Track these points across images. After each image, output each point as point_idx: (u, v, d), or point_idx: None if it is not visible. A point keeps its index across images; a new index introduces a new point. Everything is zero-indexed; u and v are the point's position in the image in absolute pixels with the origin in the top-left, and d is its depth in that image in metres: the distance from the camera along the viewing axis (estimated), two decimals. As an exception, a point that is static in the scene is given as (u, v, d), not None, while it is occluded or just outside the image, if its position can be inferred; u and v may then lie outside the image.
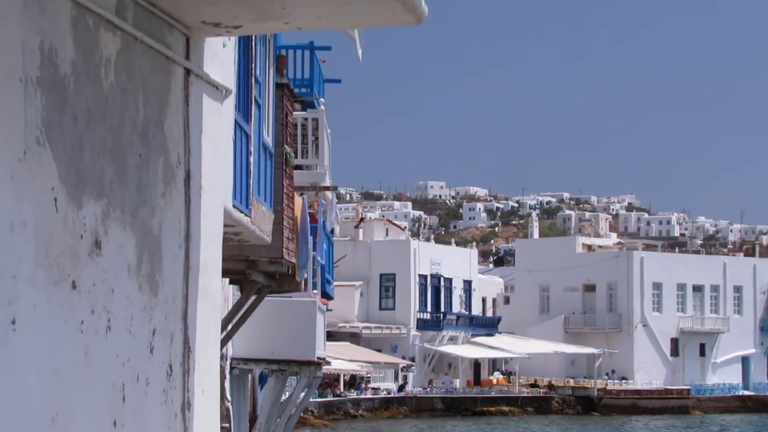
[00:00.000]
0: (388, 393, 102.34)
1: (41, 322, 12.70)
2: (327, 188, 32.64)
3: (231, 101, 19.16)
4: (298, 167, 26.33)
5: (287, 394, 31.60)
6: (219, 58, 18.29)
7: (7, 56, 12.12)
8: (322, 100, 28.61)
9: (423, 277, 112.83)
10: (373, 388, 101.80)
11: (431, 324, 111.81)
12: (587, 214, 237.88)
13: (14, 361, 11.82)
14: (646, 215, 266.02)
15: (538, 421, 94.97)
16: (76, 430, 13.62)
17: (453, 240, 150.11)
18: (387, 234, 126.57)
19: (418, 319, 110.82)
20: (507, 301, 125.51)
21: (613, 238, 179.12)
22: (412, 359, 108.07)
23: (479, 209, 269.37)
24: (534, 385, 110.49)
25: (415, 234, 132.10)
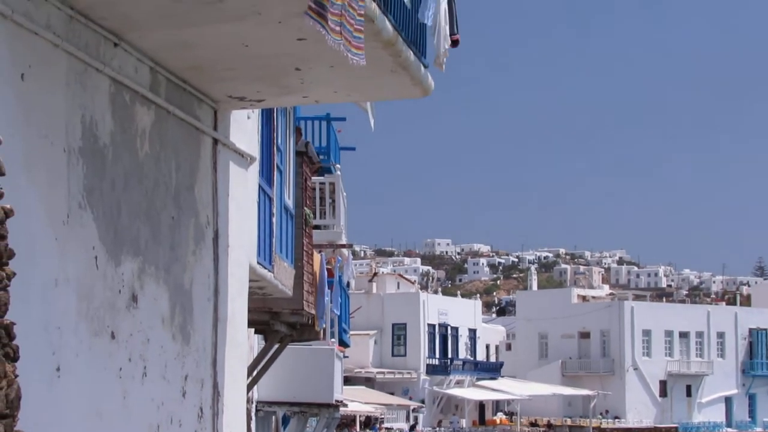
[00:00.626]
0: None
1: (83, 370, 12.75)
2: (343, 246, 32.60)
3: (255, 167, 19.18)
4: (317, 227, 26.33)
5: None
6: (244, 128, 18.32)
7: (52, 128, 12.20)
8: (338, 165, 28.61)
9: (431, 326, 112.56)
10: (386, 428, 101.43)
11: (439, 369, 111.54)
12: (581, 268, 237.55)
13: (59, 404, 11.87)
14: (635, 268, 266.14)
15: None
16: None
17: (459, 292, 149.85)
18: (398, 287, 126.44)
19: (427, 365, 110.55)
20: (509, 347, 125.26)
21: (606, 289, 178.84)
22: (422, 401, 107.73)
23: (482, 264, 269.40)
24: (534, 425, 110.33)
25: (424, 287, 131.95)
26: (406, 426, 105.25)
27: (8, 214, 8.72)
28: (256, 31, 13.63)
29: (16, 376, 8.84)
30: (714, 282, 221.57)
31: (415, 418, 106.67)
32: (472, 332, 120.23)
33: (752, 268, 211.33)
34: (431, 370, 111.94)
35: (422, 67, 15.65)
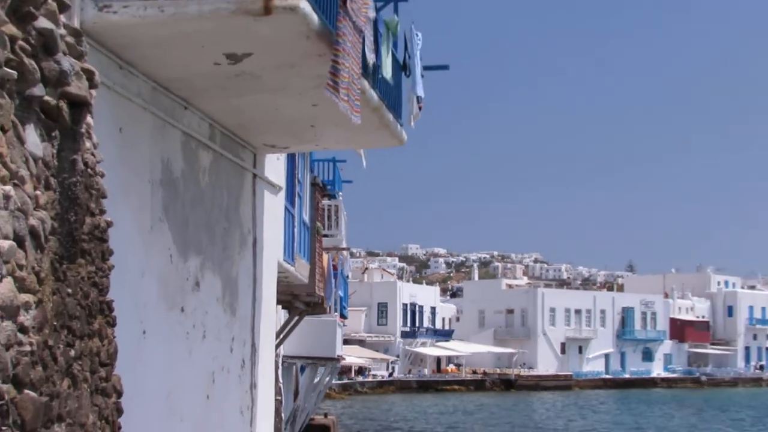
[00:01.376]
0: (383, 378, 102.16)
1: (161, 333, 12.72)
2: (343, 249, 32.52)
3: (282, 194, 19.15)
4: (325, 236, 26.37)
5: (318, 378, 31.26)
6: (274, 166, 18.30)
7: (140, 166, 12.16)
8: (340, 193, 28.65)
9: (404, 304, 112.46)
10: (372, 375, 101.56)
11: (410, 334, 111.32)
12: (509, 265, 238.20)
13: (144, 357, 11.81)
14: (545, 265, 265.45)
15: (477, 394, 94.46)
16: (183, 401, 13.60)
17: (424, 282, 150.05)
18: (382, 277, 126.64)
19: (401, 331, 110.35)
20: (458, 320, 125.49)
21: (525, 280, 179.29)
22: (398, 356, 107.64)
23: (441, 262, 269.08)
24: (474, 372, 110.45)
25: (400, 278, 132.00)
26: (386, 373, 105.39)
27: (109, 224, 8.63)
28: (284, 100, 13.59)
29: (114, 337, 8.75)
30: (599, 275, 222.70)
31: (393, 368, 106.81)
32: (433, 309, 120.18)
33: (625, 266, 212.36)
34: (404, 335, 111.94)
35: (398, 126, 15.60)
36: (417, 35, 16.31)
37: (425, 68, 16.88)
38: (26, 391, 6.36)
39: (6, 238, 6.28)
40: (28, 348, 6.44)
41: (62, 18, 7.71)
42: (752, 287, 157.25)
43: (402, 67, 15.79)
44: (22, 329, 6.40)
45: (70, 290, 7.52)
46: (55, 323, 7.10)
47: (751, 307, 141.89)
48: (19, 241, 6.50)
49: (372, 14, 13.42)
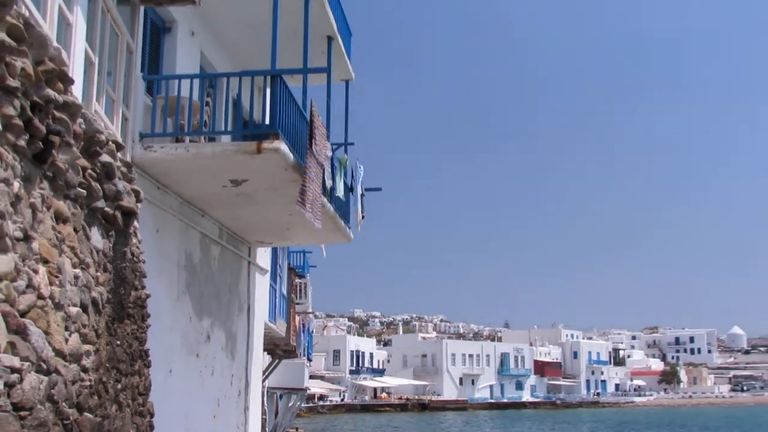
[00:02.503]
0: (336, 402, 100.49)
1: (183, 372, 12.51)
2: (309, 313, 32.26)
3: (268, 275, 19.04)
4: (297, 304, 26.10)
5: (291, 403, 30.76)
6: (263, 255, 18.18)
7: (170, 255, 12.06)
8: (308, 275, 28.44)
9: (352, 351, 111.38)
10: (329, 400, 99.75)
11: (355, 372, 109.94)
12: (423, 323, 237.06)
13: (170, 389, 11.59)
14: (448, 323, 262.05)
15: (402, 414, 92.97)
16: (198, 421, 13.36)
17: (365, 335, 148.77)
18: (336, 332, 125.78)
19: (349, 370, 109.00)
20: (388, 362, 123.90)
21: (434, 334, 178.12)
22: (347, 387, 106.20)
23: (377, 321, 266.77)
24: (400, 398, 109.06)
25: (348, 333, 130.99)
26: (339, 399, 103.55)
27: (147, 296, 8.57)
28: (269, 211, 13.62)
29: (149, 375, 8.63)
30: (485, 330, 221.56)
31: (343, 395, 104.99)
32: (371, 354, 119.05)
33: (503, 323, 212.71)
34: (351, 372, 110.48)
35: (347, 229, 15.65)
36: (360, 168, 16.48)
37: (366, 189, 17.04)
38: (85, 413, 6.31)
39: (75, 305, 6.27)
40: (87, 383, 6.39)
41: (119, 154, 7.74)
42: (590, 338, 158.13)
43: (350, 189, 15.90)
44: (84, 369, 6.36)
45: (119, 342, 7.49)
46: (107, 365, 7.05)
47: (589, 352, 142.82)
48: (84, 307, 6.49)
49: (329, 153, 13.55)
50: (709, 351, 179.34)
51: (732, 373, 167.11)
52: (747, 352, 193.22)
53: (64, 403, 5.83)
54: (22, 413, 5.12)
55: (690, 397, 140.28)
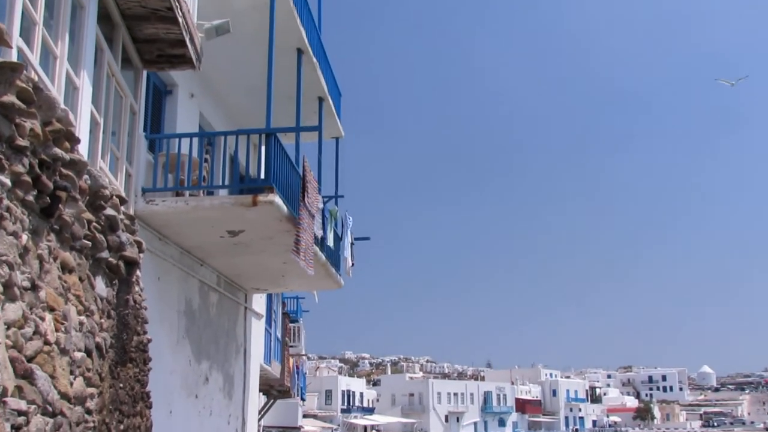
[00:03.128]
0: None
1: (182, 413, 12.37)
2: (303, 355, 32.05)
3: (263, 319, 18.94)
4: (291, 347, 25.91)
5: (286, 441, 30.48)
6: (259, 301, 18.10)
7: (171, 301, 12.02)
8: (301, 319, 28.31)
9: (343, 391, 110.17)
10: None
11: (346, 410, 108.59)
12: (410, 364, 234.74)
13: (171, 428, 11.46)
14: (434, 364, 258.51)
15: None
16: (196, 458, 13.23)
17: (355, 375, 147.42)
18: (328, 373, 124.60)
19: (341, 408, 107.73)
20: (377, 400, 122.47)
21: (420, 374, 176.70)
22: (338, 425, 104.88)
23: (366, 362, 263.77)
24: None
25: (340, 373, 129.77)
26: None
27: (149, 341, 8.50)
28: (264, 259, 13.58)
29: (150, 416, 8.54)
30: (469, 369, 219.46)
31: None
32: (361, 394, 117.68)
33: (485, 363, 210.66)
34: (342, 411, 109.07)
35: (338, 276, 15.63)
36: (349, 218, 16.52)
37: (355, 239, 17.06)
38: (89, 453, 6.23)
39: (80, 350, 6.24)
40: (91, 424, 6.33)
41: (122, 208, 7.75)
42: (568, 376, 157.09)
43: (339, 239, 15.93)
44: (88, 411, 6.30)
45: (121, 385, 7.43)
46: (110, 407, 6.98)
47: (567, 390, 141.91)
48: (88, 352, 6.46)
49: (321, 205, 13.59)
50: (681, 389, 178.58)
51: (703, 409, 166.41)
52: (716, 390, 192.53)
53: (68, 444, 5.77)
54: (28, 454, 5.07)
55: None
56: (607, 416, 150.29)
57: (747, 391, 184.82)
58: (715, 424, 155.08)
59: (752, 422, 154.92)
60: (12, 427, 4.91)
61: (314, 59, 14.13)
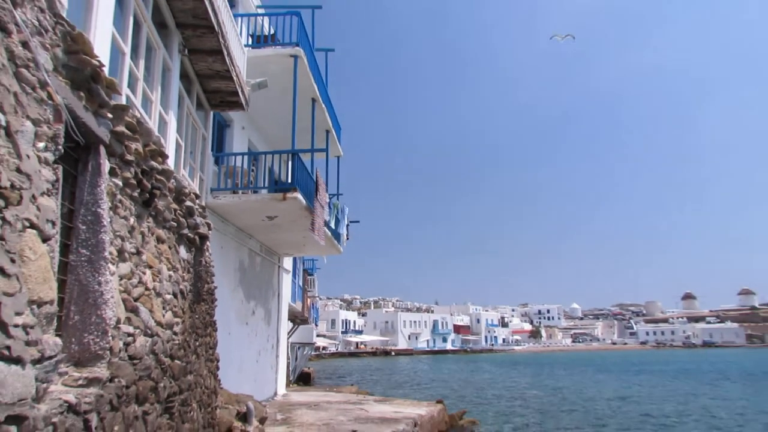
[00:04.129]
0: (333, 351, 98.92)
1: (237, 334, 12.29)
2: (316, 297, 32.01)
3: (291, 274, 18.86)
4: (309, 291, 25.85)
5: (305, 352, 30.35)
6: (288, 262, 18.03)
7: (229, 262, 11.89)
8: (315, 274, 28.27)
9: (342, 320, 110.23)
10: (329, 350, 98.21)
11: (344, 332, 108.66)
12: (386, 301, 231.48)
13: (230, 345, 11.39)
14: (402, 302, 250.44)
15: (373, 357, 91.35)
16: (246, 364, 13.09)
17: (350, 310, 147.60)
18: (332, 308, 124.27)
19: (341, 331, 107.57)
20: (364, 325, 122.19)
21: (393, 309, 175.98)
22: (339, 342, 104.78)
23: (357, 301, 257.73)
24: (372, 349, 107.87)
25: (340, 308, 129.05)
26: (335, 349, 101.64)
27: (215, 288, 8.41)
28: (292, 235, 13.51)
29: (216, 336, 8.47)
30: (424, 305, 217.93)
31: (337, 347, 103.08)
32: (354, 322, 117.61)
33: (434, 300, 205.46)
34: (342, 332, 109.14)
35: (339, 245, 15.59)
36: (345, 208, 16.48)
37: (350, 221, 17.02)
38: (175, 360, 6.17)
39: (169, 294, 6.17)
40: (177, 342, 6.27)
41: (197, 201, 7.66)
42: (487, 310, 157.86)
43: (339, 221, 15.89)
44: (175, 333, 6.24)
45: (197, 316, 7.36)
46: (189, 330, 6.92)
47: (487, 319, 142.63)
48: (175, 295, 6.38)
49: (327, 199, 13.55)
50: (559, 318, 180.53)
51: (572, 332, 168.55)
52: (581, 319, 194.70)
53: (161, 355, 5.71)
54: (135, 362, 5.02)
55: (548, 346, 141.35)
56: (512, 336, 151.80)
57: (600, 320, 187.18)
58: (580, 340, 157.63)
59: (604, 339, 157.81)
60: (124, 344, 4.86)
61: (323, 105, 14.04)
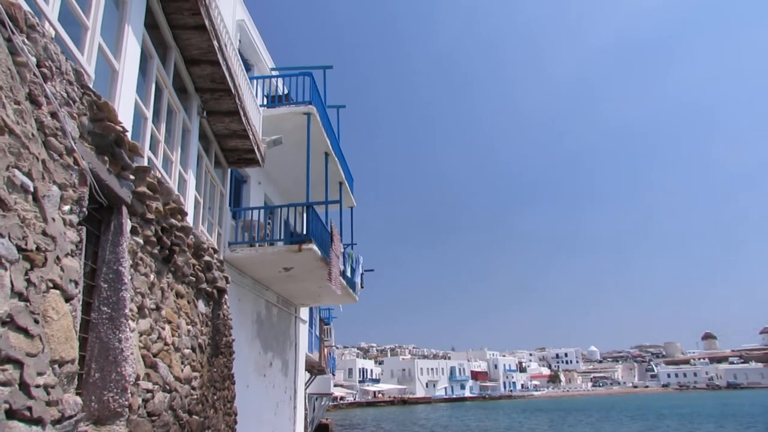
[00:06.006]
0: (351, 401, 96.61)
1: (256, 386, 12.08)
2: (332, 346, 31.55)
3: (307, 324, 18.69)
4: (326, 340, 25.48)
5: (323, 402, 29.68)
6: (304, 312, 17.88)
7: (247, 314, 11.83)
8: (332, 323, 27.93)
9: (359, 369, 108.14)
10: (347, 400, 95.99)
11: (362, 381, 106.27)
12: (402, 349, 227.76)
13: (248, 397, 11.19)
14: (418, 349, 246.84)
15: (390, 407, 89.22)
16: (265, 415, 12.81)
17: (367, 358, 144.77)
18: (349, 357, 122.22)
19: (358, 380, 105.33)
20: (381, 374, 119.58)
21: (409, 356, 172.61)
22: (357, 391, 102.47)
23: (374, 349, 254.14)
24: (389, 398, 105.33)
25: (357, 357, 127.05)
26: (352, 399, 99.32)
27: (233, 340, 8.35)
28: (308, 285, 13.44)
29: (234, 389, 8.35)
30: (440, 352, 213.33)
31: (355, 396, 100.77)
32: (371, 370, 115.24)
33: (450, 347, 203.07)
34: (360, 381, 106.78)
35: (354, 294, 15.48)
36: (360, 258, 16.45)
37: (365, 270, 16.95)
38: (194, 416, 6.06)
39: (188, 348, 6.12)
40: (195, 397, 6.17)
41: (216, 255, 7.71)
42: (504, 355, 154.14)
43: (354, 271, 15.82)
44: (193, 388, 6.15)
45: (215, 369, 7.27)
46: (208, 384, 6.83)
47: (504, 364, 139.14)
48: (193, 349, 6.33)
49: (342, 249, 13.55)
50: (577, 361, 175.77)
51: (592, 375, 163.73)
52: (600, 362, 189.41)
53: (180, 410, 5.63)
54: (153, 418, 4.95)
55: (567, 391, 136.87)
56: (530, 381, 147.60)
57: (620, 362, 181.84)
58: (600, 384, 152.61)
59: (624, 382, 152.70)
60: (143, 400, 4.80)
61: (336, 159, 14.23)
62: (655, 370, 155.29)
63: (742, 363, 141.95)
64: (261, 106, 11.42)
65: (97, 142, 4.22)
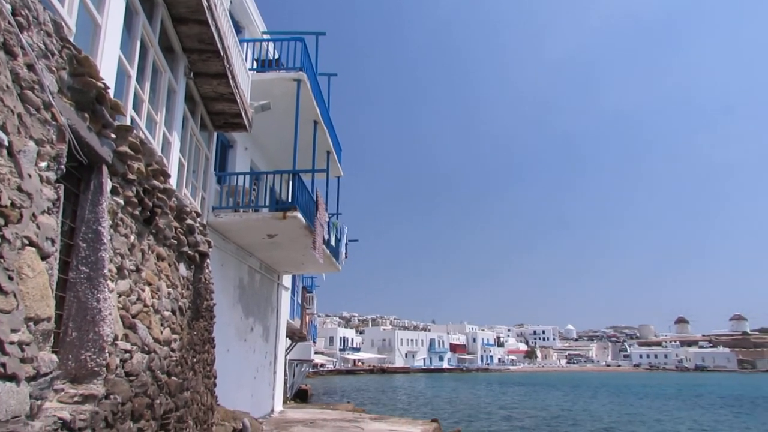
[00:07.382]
0: (331, 368, 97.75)
1: (236, 351, 12.16)
2: (314, 314, 31.77)
3: (290, 291, 18.74)
4: (307, 308, 25.63)
5: (303, 369, 30.04)
6: (287, 279, 17.90)
7: (230, 279, 11.81)
8: (314, 291, 28.08)
9: (340, 337, 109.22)
10: (327, 367, 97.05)
11: (342, 349, 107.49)
12: (384, 319, 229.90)
13: (228, 361, 11.26)
14: (399, 320, 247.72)
15: (370, 375, 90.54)
16: (244, 380, 12.93)
17: (348, 327, 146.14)
18: (330, 325, 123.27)
19: (339, 348, 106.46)
20: (362, 343, 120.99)
21: (390, 327, 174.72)
22: (337, 359, 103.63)
23: (356, 318, 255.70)
24: (369, 366, 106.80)
25: (338, 326, 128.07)
26: (332, 366, 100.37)
27: (214, 305, 8.35)
28: (291, 253, 13.45)
29: (214, 353, 8.38)
30: (420, 324, 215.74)
31: (335, 364, 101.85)
32: (352, 339, 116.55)
33: (430, 320, 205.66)
34: (340, 349, 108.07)
35: (337, 263, 15.52)
36: (345, 227, 16.44)
37: (348, 240, 16.96)
38: (172, 377, 6.09)
39: (167, 311, 6.11)
40: (174, 358, 6.19)
41: (198, 219, 7.64)
42: (483, 330, 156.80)
43: (338, 240, 15.83)
44: (172, 350, 6.17)
45: (195, 333, 7.28)
46: (187, 347, 6.84)
47: (483, 339, 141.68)
48: (173, 312, 6.32)
49: (326, 218, 13.52)
50: (554, 339, 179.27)
51: (567, 352, 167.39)
52: (576, 340, 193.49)
53: (158, 371, 5.64)
54: (131, 378, 4.95)
55: (543, 366, 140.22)
56: (507, 356, 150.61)
57: (595, 341, 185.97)
58: (575, 361, 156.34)
59: (598, 361, 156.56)
60: (121, 360, 4.80)
61: (324, 127, 14.10)
62: (628, 351, 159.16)
63: (711, 347, 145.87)
64: (250, 69, 11.21)
65: (76, 98, 4.10)
